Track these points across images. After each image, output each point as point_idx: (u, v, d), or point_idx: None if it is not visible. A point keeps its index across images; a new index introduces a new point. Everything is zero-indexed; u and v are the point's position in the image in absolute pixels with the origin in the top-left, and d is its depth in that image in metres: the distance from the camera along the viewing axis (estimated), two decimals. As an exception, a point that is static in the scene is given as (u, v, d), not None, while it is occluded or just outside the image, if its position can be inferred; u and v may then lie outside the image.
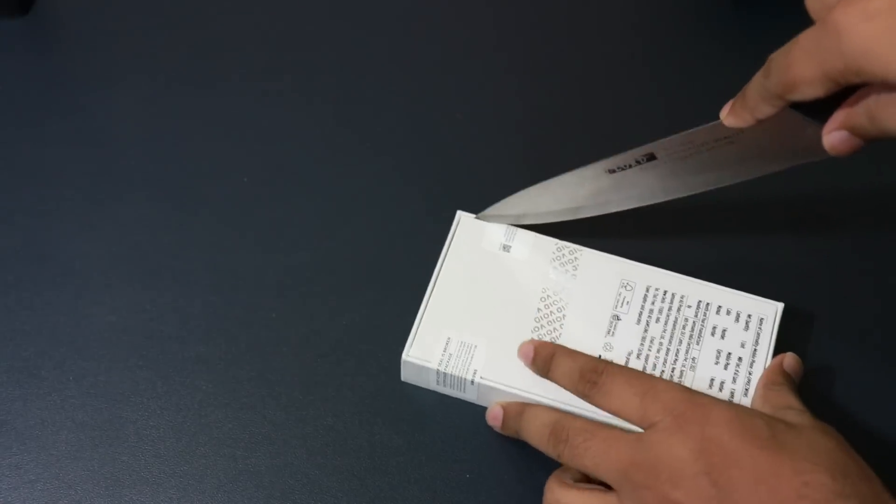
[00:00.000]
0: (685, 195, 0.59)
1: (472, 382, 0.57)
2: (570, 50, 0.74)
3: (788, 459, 0.48)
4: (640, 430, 0.52)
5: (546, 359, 0.56)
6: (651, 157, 0.57)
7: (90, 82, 0.71)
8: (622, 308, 0.59)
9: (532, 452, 0.56)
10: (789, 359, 0.57)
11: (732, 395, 0.56)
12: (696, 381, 0.57)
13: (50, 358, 0.60)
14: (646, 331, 0.58)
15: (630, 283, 0.60)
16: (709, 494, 0.48)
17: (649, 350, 0.58)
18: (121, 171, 0.67)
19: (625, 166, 0.58)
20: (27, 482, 0.56)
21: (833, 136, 0.50)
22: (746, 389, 0.56)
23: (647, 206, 0.60)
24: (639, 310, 0.59)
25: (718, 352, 0.58)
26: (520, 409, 0.56)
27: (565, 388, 0.55)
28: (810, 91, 0.47)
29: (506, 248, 0.61)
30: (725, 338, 0.58)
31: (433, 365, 0.57)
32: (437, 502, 0.56)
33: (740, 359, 0.58)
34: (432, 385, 0.59)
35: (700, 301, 0.59)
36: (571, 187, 0.60)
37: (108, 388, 0.59)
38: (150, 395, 0.59)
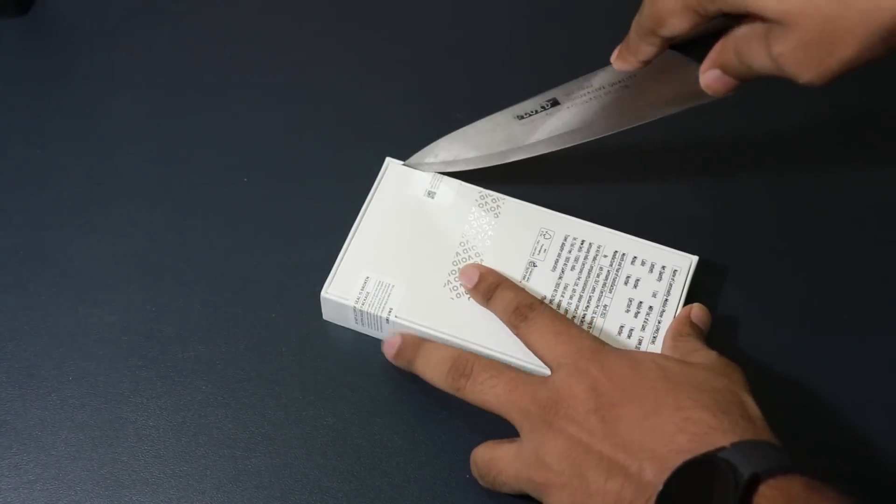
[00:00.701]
0: (591, 139, 0.61)
1: (388, 321, 0.59)
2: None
3: (672, 397, 0.50)
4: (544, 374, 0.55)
5: (490, 287, 0.58)
6: (555, 103, 0.59)
7: (90, 82, 0.71)
8: (539, 255, 0.61)
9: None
10: (697, 309, 0.58)
11: (641, 342, 0.58)
12: (606, 327, 0.59)
13: (50, 358, 0.60)
14: (560, 278, 0.60)
15: (549, 232, 0.62)
16: (597, 429, 0.50)
17: (562, 296, 0.59)
18: (121, 171, 0.67)
19: (532, 112, 0.60)
20: (27, 482, 0.56)
21: (707, 75, 0.53)
22: (654, 337, 0.58)
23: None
24: (555, 257, 0.61)
25: (630, 300, 0.59)
26: (418, 342, 0.58)
27: (499, 316, 0.58)
28: (677, 23, 0.49)
29: (431, 194, 0.63)
30: (638, 287, 0.60)
31: (350, 302, 0.59)
32: (437, 502, 0.56)
33: (651, 308, 0.59)
34: (351, 323, 0.61)
35: (616, 251, 0.61)
36: (486, 134, 0.62)
37: (108, 389, 0.59)
38: (150, 395, 0.59)
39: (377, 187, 0.63)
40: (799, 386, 0.60)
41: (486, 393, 0.54)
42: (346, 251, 0.61)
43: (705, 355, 0.54)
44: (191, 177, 0.67)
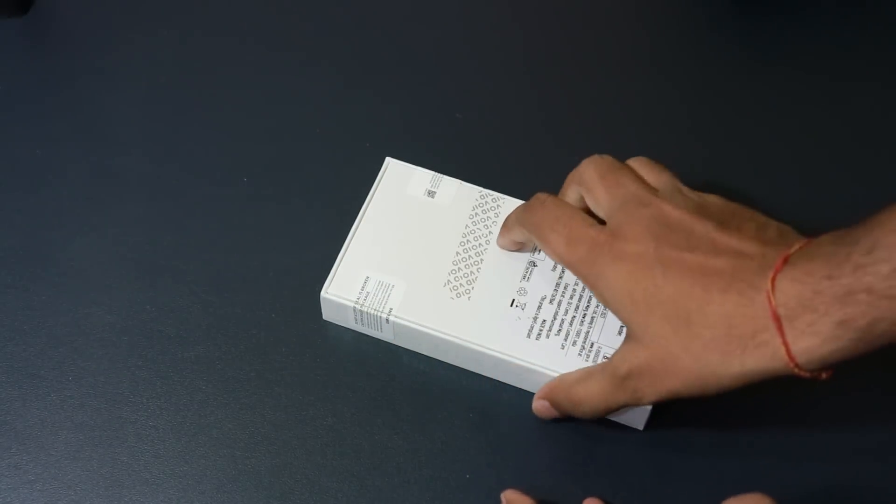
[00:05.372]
0: None
1: (388, 321, 0.59)
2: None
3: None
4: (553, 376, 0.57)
5: None
6: None
7: (90, 82, 0.71)
8: (539, 255, 0.61)
9: (531, 453, 0.57)
10: None
11: None
12: (606, 326, 0.58)
13: (50, 358, 0.60)
14: (560, 277, 0.60)
15: None
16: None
17: (562, 296, 0.59)
18: (121, 171, 0.67)
19: None
20: (26, 482, 0.56)
21: (537, 403, 0.57)
22: None
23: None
24: None
25: None
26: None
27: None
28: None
29: (431, 193, 0.63)
30: None
31: (350, 302, 0.59)
32: (436, 502, 0.56)
33: None
34: (351, 324, 0.61)
35: None
36: None
37: (107, 388, 0.59)
38: (150, 396, 0.59)
39: (377, 187, 0.63)
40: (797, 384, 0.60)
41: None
42: (346, 251, 0.61)
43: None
44: (191, 177, 0.67)
